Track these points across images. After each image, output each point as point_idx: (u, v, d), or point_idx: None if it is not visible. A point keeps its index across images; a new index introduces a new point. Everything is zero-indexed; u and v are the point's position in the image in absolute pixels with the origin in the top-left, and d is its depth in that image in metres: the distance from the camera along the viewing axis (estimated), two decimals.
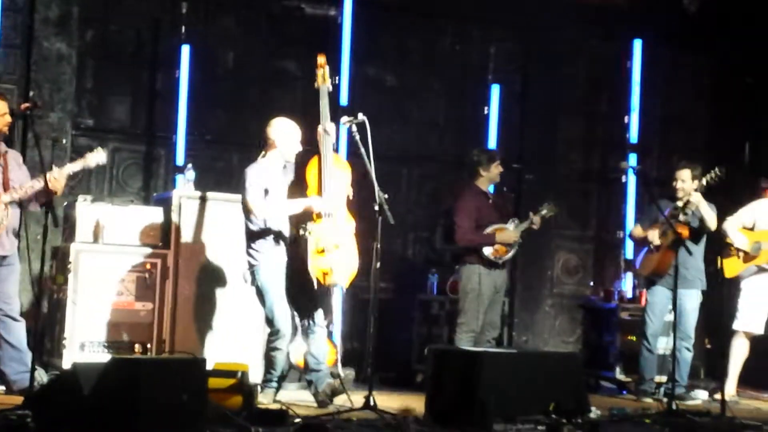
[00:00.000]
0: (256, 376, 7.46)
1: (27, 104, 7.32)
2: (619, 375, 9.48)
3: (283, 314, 7.43)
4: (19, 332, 7.31)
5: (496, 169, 8.78)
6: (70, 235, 8.24)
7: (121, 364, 5.91)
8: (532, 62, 11.15)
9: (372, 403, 6.75)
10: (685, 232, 8.35)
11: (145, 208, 8.57)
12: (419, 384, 8.97)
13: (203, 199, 8.38)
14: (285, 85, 10.25)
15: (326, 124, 7.46)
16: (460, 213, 8.68)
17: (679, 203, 8.51)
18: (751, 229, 8.79)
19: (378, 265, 7.12)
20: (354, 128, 7.24)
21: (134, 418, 5.49)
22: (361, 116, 7.24)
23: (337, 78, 10.04)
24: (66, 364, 7.64)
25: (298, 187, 7.49)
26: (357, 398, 6.95)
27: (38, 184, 7.13)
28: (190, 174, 8.66)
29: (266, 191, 7.39)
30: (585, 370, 8.17)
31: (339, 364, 8.35)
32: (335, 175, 7.45)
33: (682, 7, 10.88)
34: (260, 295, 7.45)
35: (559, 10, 10.55)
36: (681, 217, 8.37)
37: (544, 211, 8.76)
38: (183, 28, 9.76)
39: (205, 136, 10.04)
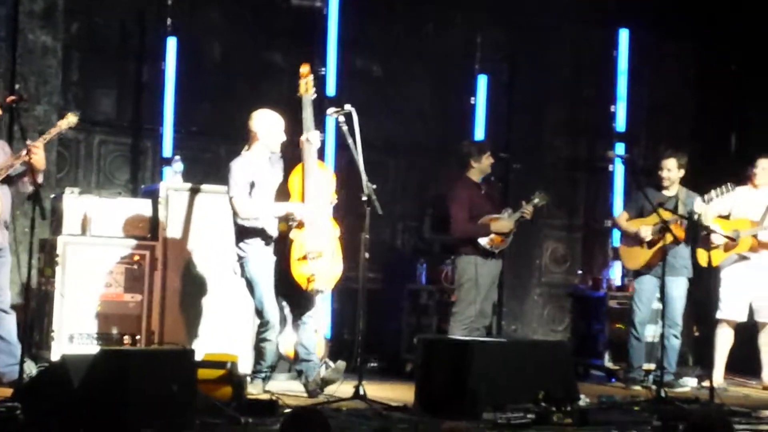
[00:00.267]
0: (245, 366, 7.46)
1: (13, 97, 7.32)
2: (608, 363, 9.50)
3: (273, 305, 7.44)
4: (9, 325, 7.29)
5: (487, 161, 8.80)
6: (57, 228, 8.22)
7: (110, 356, 5.91)
8: (518, 52, 11.14)
9: (362, 393, 6.75)
10: (681, 233, 8.38)
11: (133, 201, 8.55)
12: (409, 373, 8.98)
13: (191, 191, 8.36)
14: (272, 76, 10.24)
15: (309, 134, 7.47)
16: (455, 204, 8.70)
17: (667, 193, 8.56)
18: (727, 217, 8.81)
19: (366, 255, 7.13)
20: (341, 119, 7.25)
21: (124, 410, 5.49)
22: (348, 107, 7.25)
23: (323, 69, 10.13)
24: (55, 356, 7.63)
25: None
26: (347, 388, 6.96)
27: (18, 161, 7.10)
28: (178, 166, 8.64)
29: (252, 184, 7.39)
30: (574, 359, 8.20)
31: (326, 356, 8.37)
32: (318, 183, 7.46)
33: None
34: (249, 286, 7.46)
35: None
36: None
37: (536, 200, 8.77)
38: (169, 20, 9.72)
39: (192, 128, 10.02)
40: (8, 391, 6.24)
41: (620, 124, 11.33)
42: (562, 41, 11.25)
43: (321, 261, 7.37)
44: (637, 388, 8.54)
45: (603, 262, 11.17)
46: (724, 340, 8.79)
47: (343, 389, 7.01)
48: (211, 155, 9.94)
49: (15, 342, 7.24)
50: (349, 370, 7.50)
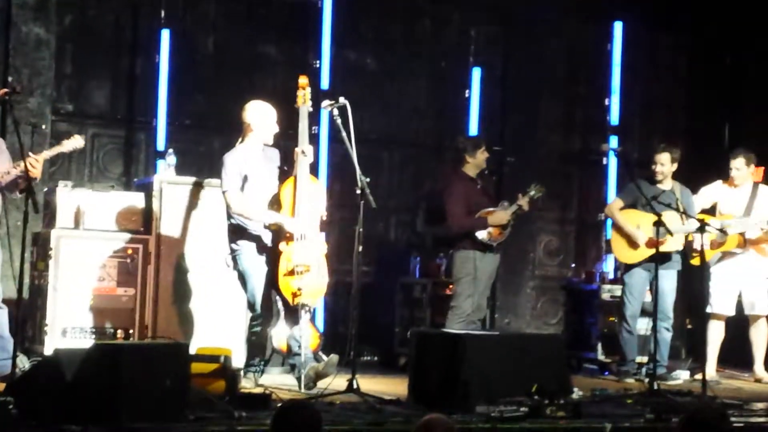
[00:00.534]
0: (239, 360, 7.45)
1: (5, 89, 7.29)
2: (601, 356, 9.52)
3: (265, 299, 7.44)
4: (1, 319, 7.29)
5: (482, 156, 8.80)
6: (50, 221, 8.20)
7: (104, 350, 5.90)
8: (512, 45, 11.15)
9: (355, 387, 6.76)
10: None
11: (126, 194, 8.54)
12: (402, 367, 8.98)
13: (184, 184, 8.35)
14: (265, 69, 10.23)
15: (304, 146, 7.46)
16: (451, 199, 8.70)
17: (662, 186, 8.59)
18: (710, 211, 8.82)
19: (360, 249, 7.12)
20: (335, 112, 7.24)
21: (117, 404, 5.50)
22: (342, 100, 7.24)
23: (317, 62, 10.12)
24: (48, 350, 7.62)
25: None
26: (340, 382, 6.96)
27: (15, 171, 7.14)
28: (171, 159, 8.63)
29: (245, 178, 7.39)
30: (567, 352, 8.21)
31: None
32: (310, 197, 7.45)
33: None
34: (242, 279, 7.47)
35: None
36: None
37: (532, 192, 8.77)
38: (162, 13, 9.72)
39: (186, 121, 10.01)
40: (1, 386, 6.23)
41: (614, 117, 11.35)
42: (556, 35, 11.25)
43: (308, 275, 7.37)
44: (630, 381, 8.55)
45: (596, 256, 11.19)
46: (715, 334, 8.82)
47: (337, 383, 7.01)
48: (204, 148, 9.93)
49: (7, 336, 7.23)
50: (343, 363, 7.49)
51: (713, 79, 11.40)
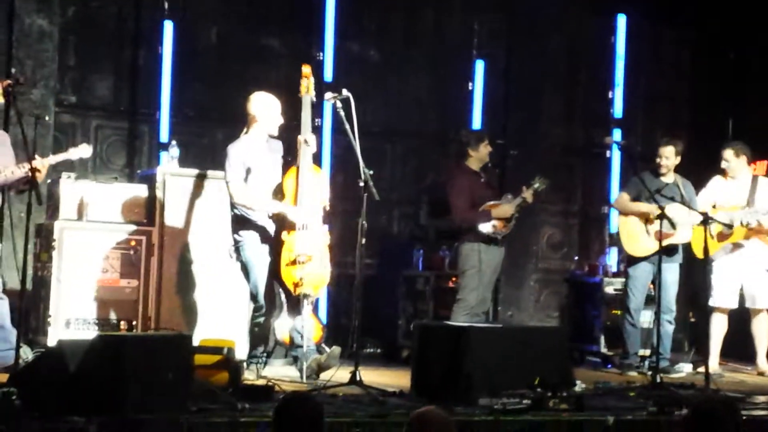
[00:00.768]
0: (242, 352, 7.46)
1: (9, 81, 7.29)
2: (604, 349, 9.52)
3: (268, 290, 7.44)
4: (2, 310, 7.29)
5: (485, 149, 8.79)
6: (53, 213, 8.21)
7: (107, 342, 5.91)
8: (516, 38, 11.14)
9: (358, 379, 6.76)
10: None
11: (130, 186, 8.55)
12: (405, 359, 8.98)
13: (188, 176, 8.35)
14: (268, 61, 10.22)
15: (307, 135, 7.46)
16: (454, 193, 8.70)
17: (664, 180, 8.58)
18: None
19: (363, 241, 7.12)
20: (338, 104, 7.24)
21: (120, 395, 5.50)
22: (345, 92, 7.24)
23: (320, 54, 10.11)
24: (51, 341, 7.63)
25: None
26: (343, 374, 6.96)
27: (19, 172, 7.17)
28: (174, 151, 8.62)
29: (249, 170, 7.39)
30: (569, 344, 8.21)
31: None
32: (312, 187, 7.45)
33: None
34: (245, 270, 7.48)
35: None
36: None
37: (536, 185, 8.77)
38: (165, 4, 9.71)
39: (189, 112, 10.01)
40: (4, 377, 6.23)
41: (617, 110, 11.34)
42: (559, 28, 11.23)
43: (310, 265, 7.38)
44: (633, 374, 8.55)
45: (599, 248, 11.18)
46: (718, 327, 8.82)
47: (340, 375, 7.01)
48: (207, 140, 9.93)
49: (10, 327, 7.24)
50: (346, 356, 7.51)
51: (716, 73, 11.39)
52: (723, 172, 8.94)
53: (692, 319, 10.11)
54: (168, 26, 9.70)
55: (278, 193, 7.49)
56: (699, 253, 8.63)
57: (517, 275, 10.86)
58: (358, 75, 10.28)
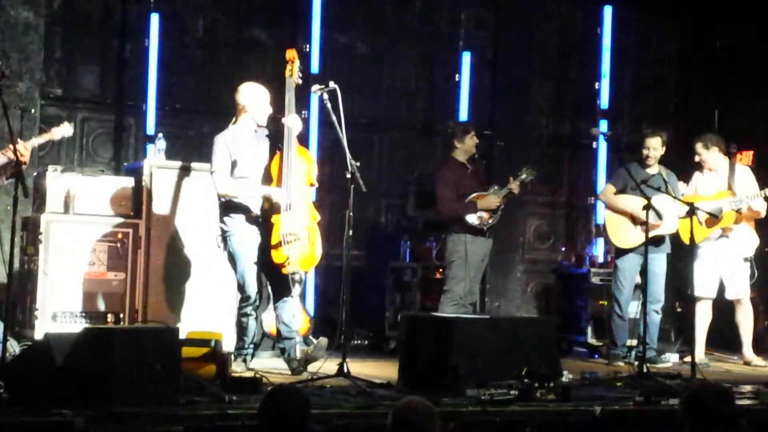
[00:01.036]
0: (230, 344, 7.46)
1: None
2: (591, 339, 9.56)
3: (253, 281, 7.45)
4: None
5: (471, 141, 8.81)
6: (40, 206, 8.19)
7: (94, 334, 5.91)
8: (502, 29, 11.14)
9: (345, 370, 6.77)
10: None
11: (116, 178, 8.52)
12: (392, 351, 9.00)
13: (174, 169, 8.34)
14: (256, 52, 10.20)
15: (290, 117, 7.47)
16: (441, 184, 8.72)
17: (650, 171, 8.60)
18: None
19: (350, 232, 7.13)
20: (325, 96, 7.24)
21: (107, 388, 5.50)
22: (332, 84, 7.23)
23: (307, 46, 10.10)
24: (38, 334, 7.61)
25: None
26: (330, 365, 6.97)
27: (2, 158, 7.15)
28: (161, 143, 8.62)
29: (234, 163, 7.39)
30: (557, 335, 8.23)
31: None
32: (296, 167, 7.46)
33: None
34: (232, 261, 7.49)
35: None
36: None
37: (523, 176, 8.80)
38: None
39: (176, 105, 9.99)
40: None
41: (604, 101, 11.35)
42: (546, 19, 11.24)
43: (297, 245, 7.38)
44: (620, 364, 8.58)
45: (586, 239, 11.20)
46: (702, 317, 8.84)
47: (327, 367, 7.02)
48: (194, 133, 9.92)
49: None
50: (333, 347, 7.51)
51: (703, 63, 11.41)
52: (700, 167, 8.97)
53: (678, 309, 10.14)
54: (154, 18, 9.67)
55: (266, 177, 7.50)
56: (686, 238, 8.66)
57: (504, 266, 10.87)
58: (345, 67, 10.28)
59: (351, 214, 7.08)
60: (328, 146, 9.52)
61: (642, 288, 8.48)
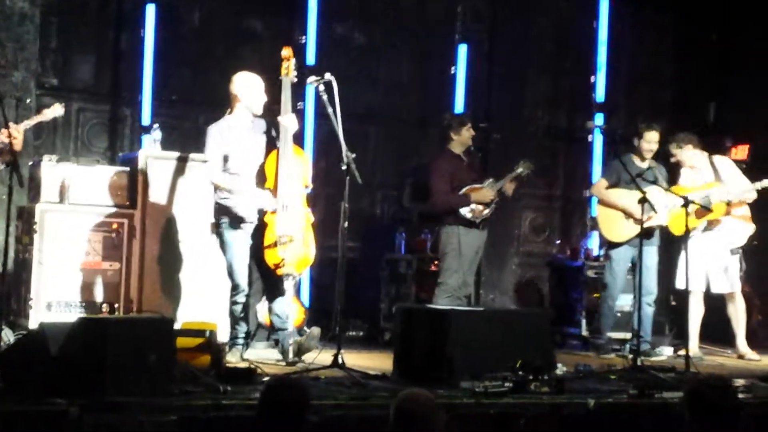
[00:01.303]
0: (224, 335, 7.47)
1: None
2: (585, 332, 9.57)
3: (243, 269, 7.46)
4: None
5: (467, 133, 8.81)
6: (35, 195, 8.19)
7: (89, 324, 5.90)
8: (499, 21, 11.13)
9: (340, 362, 6.78)
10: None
11: (111, 168, 8.52)
12: (387, 342, 9.01)
13: (169, 159, 8.33)
14: (251, 43, 10.20)
15: (287, 117, 7.46)
16: (435, 176, 8.72)
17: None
18: None
19: (346, 224, 7.13)
20: (321, 87, 7.23)
21: (102, 378, 5.50)
22: (327, 76, 7.23)
23: (303, 37, 10.09)
24: (33, 324, 7.61)
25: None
26: (325, 357, 6.98)
27: None
28: (156, 134, 8.61)
29: (226, 158, 7.39)
30: (551, 328, 8.24)
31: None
32: (292, 168, 7.45)
33: None
34: (223, 248, 7.49)
35: None
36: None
37: (519, 169, 8.81)
38: None
39: (171, 96, 9.98)
40: None
41: (600, 94, 11.34)
42: (542, 11, 11.24)
43: (292, 246, 7.38)
44: (608, 356, 8.61)
45: (581, 232, 11.21)
46: (695, 310, 8.84)
47: (322, 358, 7.03)
48: (190, 123, 9.90)
49: None
50: (328, 338, 7.52)
51: (699, 56, 11.41)
52: (679, 165, 8.99)
53: (673, 303, 10.15)
54: (150, 9, 9.66)
55: (260, 175, 7.49)
56: (678, 231, 8.68)
57: (499, 259, 10.88)
58: (341, 58, 10.27)
59: (346, 205, 7.08)
60: (323, 138, 9.52)
61: (635, 281, 8.51)
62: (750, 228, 8.91)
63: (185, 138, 9.56)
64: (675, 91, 11.74)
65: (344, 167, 7.10)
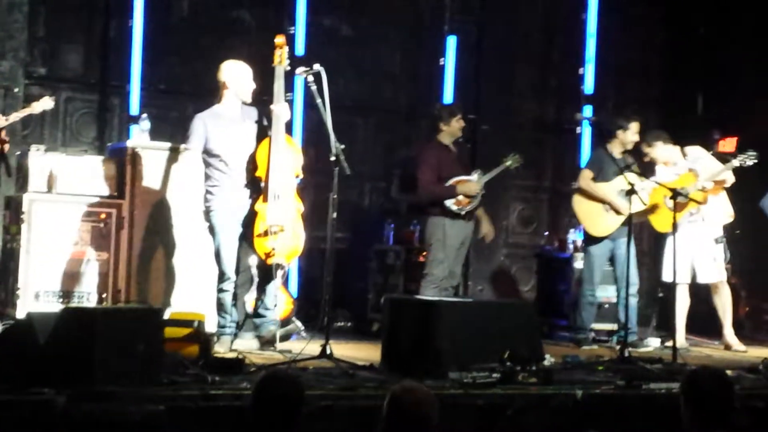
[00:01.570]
0: (213, 325, 7.47)
1: None
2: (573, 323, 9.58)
3: (231, 257, 7.46)
4: None
5: (457, 124, 8.81)
6: (23, 185, 8.17)
7: (77, 314, 5.90)
8: (488, 13, 11.13)
9: (328, 352, 6.78)
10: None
11: (99, 158, 8.50)
12: (375, 333, 9.00)
13: (158, 149, 8.31)
14: (240, 33, 10.17)
15: (279, 105, 7.45)
16: (422, 166, 8.73)
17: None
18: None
19: (334, 215, 7.13)
20: (310, 78, 7.23)
21: (90, 368, 5.49)
22: (316, 66, 7.22)
23: (292, 28, 10.08)
24: (21, 313, 7.60)
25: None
26: (313, 347, 6.98)
27: None
28: (145, 124, 8.58)
29: (209, 141, 7.39)
30: (539, 319, 8.26)
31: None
32: (284, 157, 7.45)
33: None
34: (212, 233, 7.50)
35: None
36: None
37: (508, 162, 8.83)
38: None
39: (160, 85, 9.96)
40: None
41: (588, 86, 11.36)
42: (531, 3, 11.25)
43: (282, 236, 7.39)
44: (592, 347, 8.65)
45: (569, 224, 11.21)
46: (681, 301, 8.86)
47: (310, 348, 7.03)
48: (178, 113, 9.88)
49: None
50: (316, 329, 7.52)
51: (687, 48, 11.43)
52: (653, 163, 9.01)
53: (660, 295, 10.18)
54: None
55: (251, 163, 7.49)
56: (662, 227, 8.70)
57: (487, 250, 10.89)
58: (330, 49, 10.25)
59: (335, 196, 7.08)
60: (312, 129, 9.51)
61: (617, 273, 8.69)
62: (729, 212, 8.92)
63: (174, 128, 9.54)
64: (663, 83, 11.76)
65: (333, 158, 7.10)
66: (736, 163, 8.61)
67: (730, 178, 8.76)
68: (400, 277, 9.69)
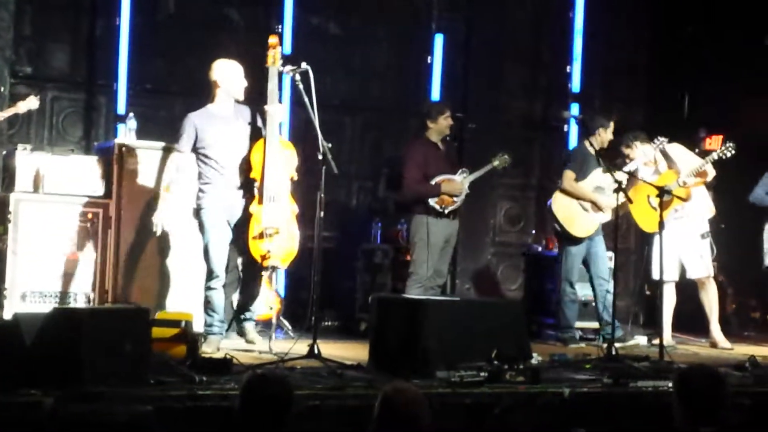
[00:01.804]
0: (201, 325, 7.46)
1: None
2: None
3: (220, 255, 7.46)
4: None
5: (444, 121, 8.81)
6: (9, 185, 8.14)
7: (64, 315, 5.88)
8: (475, 11, 11.14)
9: (316, 352, 6.78)
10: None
11: (86, 158, 8.48)
12: (363, 332, 9.01)
13: (145, 148, 8.30)
14: (227, 32, 10.16)
15: (273, 106, 7.44)
16: (408, 164, 8.73)
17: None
18: None
19: (322, 214, 7.13)
20: (297, 77, 7.22)
21: (77, 368, 5.48)
22: (304, 65, 7.22)
23: (280, 26, 10.07)
24: (7, 314, 7.57)
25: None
26: (301, 347, 6.98)
27: None
28: (132, 123, 8.57)
29: (200, 141, 7.38)
30: (527, 317, 8.27)
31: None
32: (281, 159, 7.44)
33: None
34: (201, 231, 7.50)
35: None
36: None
37: (496, 162, 8.84)
38: None
39: (147, 85, 9.94)
40: None
41: (576, 84, 11.38)
42: (519, 1, 11.26)
43: (277, 238, 7.39)
44: (575, 346, 8.67)
45: None
46: (666, 299, 8.87)
47: (298, 348, 7.03)
48: (165, 113, 9.86)
49: None
50: (304, 328, 7.51)
51: (674, 47, 11.45)
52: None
53: (647, 293, 10.20)
54: None
55: (245, 164, 7.48)
56: (649, 227, 8.72)
57: (475, 248, 10.91)
58: (318, 47, 10.25)
59: (322, 195, 7.08)
60: (299, 127, 9.50)
61: (593, 271, 8.85)
62: (710, 206, 8.95)
63: (161, 127, 9.51)
64: (650, 82, 11.79)
65: (320, 157, 7.10)
66: (714, 156, 8.64)
67: (711, 171, 8.79)
68: (388, 276, 9.69)
